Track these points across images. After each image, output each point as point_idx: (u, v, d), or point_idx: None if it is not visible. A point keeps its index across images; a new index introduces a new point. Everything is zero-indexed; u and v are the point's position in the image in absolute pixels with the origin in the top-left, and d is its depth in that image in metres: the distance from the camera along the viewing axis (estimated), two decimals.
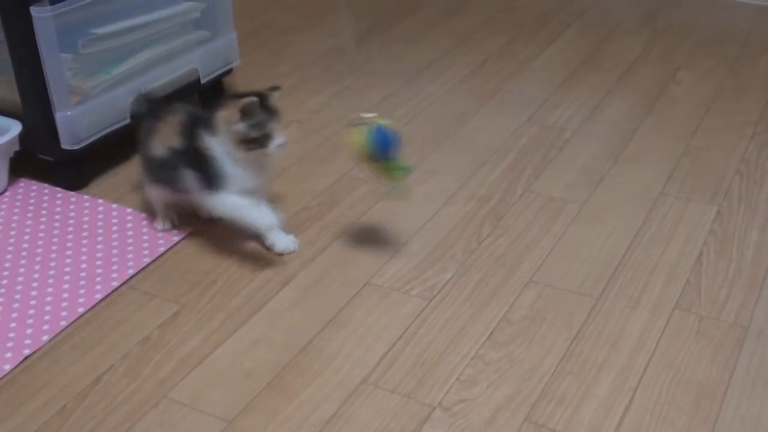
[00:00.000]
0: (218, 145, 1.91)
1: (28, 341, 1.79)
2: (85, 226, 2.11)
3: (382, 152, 1.90)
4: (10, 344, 1.78)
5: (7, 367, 1.73)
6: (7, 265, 2.00)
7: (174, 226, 2.11)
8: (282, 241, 2.02)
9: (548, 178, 2.30)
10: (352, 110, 2.64)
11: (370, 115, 1.94)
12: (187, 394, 1.67)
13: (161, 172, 2.01)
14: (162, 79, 2.39)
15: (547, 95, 2.74)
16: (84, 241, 2.06)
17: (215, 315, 1.86)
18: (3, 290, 1.92)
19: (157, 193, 2.07)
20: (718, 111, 2.63)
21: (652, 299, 1.89)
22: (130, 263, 1.99)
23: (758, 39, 3.11)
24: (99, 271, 1.97)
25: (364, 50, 3.06)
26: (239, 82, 2.79)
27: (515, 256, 2.02)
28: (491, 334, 1.80)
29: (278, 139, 1.92)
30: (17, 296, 1.90)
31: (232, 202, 1.94)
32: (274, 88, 1.97)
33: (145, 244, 2.05)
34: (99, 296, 1.90)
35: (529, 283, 1.94)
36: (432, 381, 1.69)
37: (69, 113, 2.17)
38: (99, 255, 2.02)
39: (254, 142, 1.89)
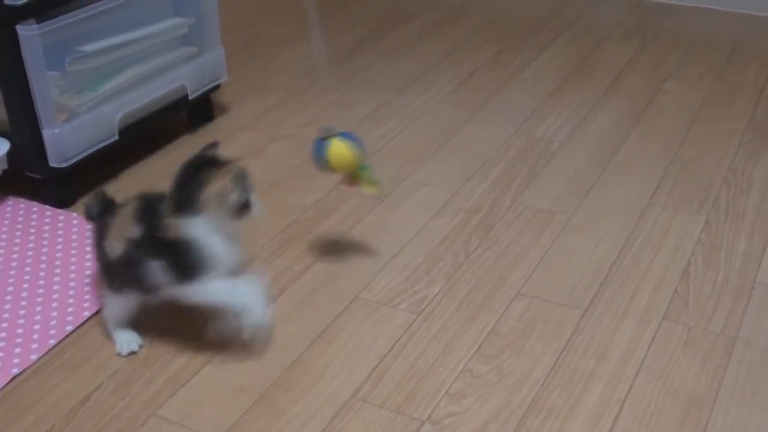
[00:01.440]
0: (201, 226, 1.68)
1: (16, 360, 1.79)
2: (74, 244, 2.11)
3: (364, 156, 1.94)
4: None
5: None
6: None
7: (132, 351, 1.81)
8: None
9: (536, 190, 2.31)
10: (341, 123, 2.64)
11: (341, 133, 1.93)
12: (176, 412, 1.67)
13: (123, 273, 1.74)
14: (149, 96, 2.39)
15: (536, 106, 2.74)
16: (72, 259, 2.06)
17: (204, 331, 1.85)
18: None
19: (119, 304, 1.79)
20: (707, 119, 2.64)
21: (640, 309, 1.89)
22: None
23: (746, 47, 3.12)
24: (87, 288, 1.97)
25: (355, 62, 3.06)
26: (228, 97, 2.79)
27: (504, 269, 2.02)
28: (480, 346, 1.80)
29: (255, 198, 1.74)
30: (6, 315, 1.90)
31: (215, 288, 1.71)
32: (214, 145, 1.77)
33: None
34: (87, 314, 1.90)
35: (517, 295, 1.94)
36: (421, 395, 1.69)
37: (56, 131, 2.17)
38: (88, 273, 2.02)
39: (246, 207, 1.71)
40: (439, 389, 1.70)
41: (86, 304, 1.93)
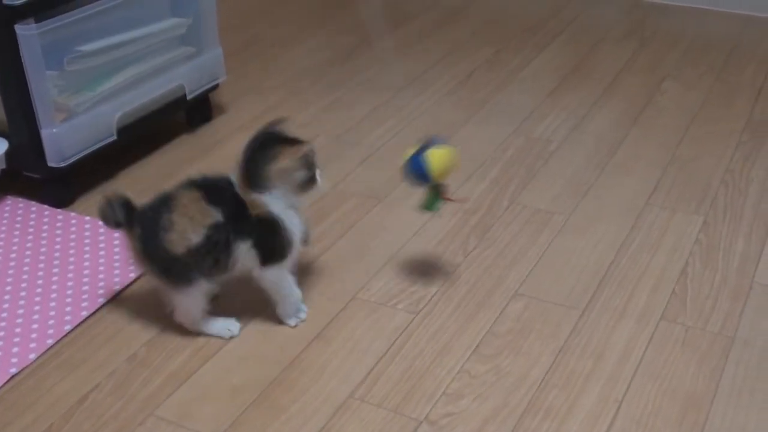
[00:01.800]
0: (275, 201, 1.74)
1: (14, 359, 1.79)
2: (72, 243, 2.11)
3: (415, 177, 1.85)
4: None
5: None
6: None
7: (234, 335, 1.85)
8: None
9: (534, 190, 2.31)
10: (340, 123, 2.65)
11: (432, 141, 1.85)
12: (175, 411, 1.67)
13: (201, 261, 1.73)
14: (147, 95, 2.39)
15: (534, 106, 2.74)
16: (71, 258, 2.06)
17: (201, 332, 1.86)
18: None
19: (197, 295, 1.78)
20: (704, 120, 2.64)
21: (637, 310, 1.89)
22: (117, 279, 1.99)
23: (744, 48, 3.13)
24: (86, 288, 1.97)
25: (355, 62, 3.06)
26: (226, 97, 2.80)
27: (501, 269, 2.02)
28: (478, 346, 1.80)
29: (320, 174, 1.80)
30: (4, 314, 1.90)
31: (289, 282, 1.83)
32: (279, 121, 1.80)
33: (132, 260, 2.05)
34: (85, 314, 1.90)
35: (515, 295, 1.94)
36: (419, 395, 1.69)
37: (55, 131, 2.17)
38: (86, 272, 2.02)
39: (311, 182, 1.77)
40: (436, 389, 1.70)
41: (84, 304, 1.92)
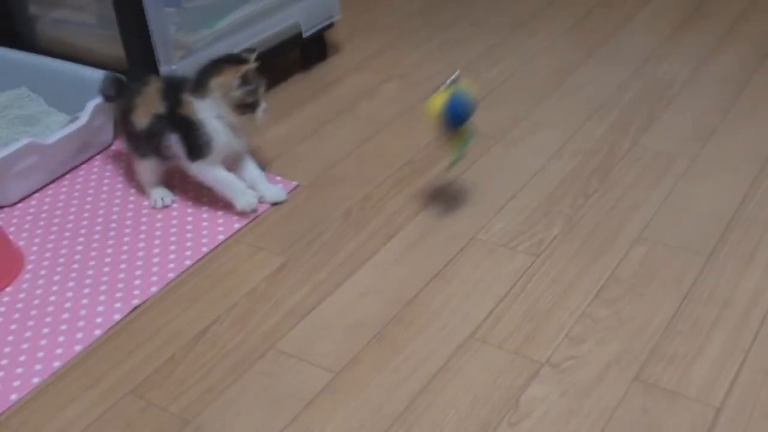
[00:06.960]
0: (206, 110, 1.93)
1: (136, 292, 1.82)
2: (191, 181, 2.13)
3: (455, 121, 1.88)
4: (119, 294, 1.81)
5: (117, 317, 1.76)
6: (114, 217, 2.03)
7: (166, 204, 2.07)
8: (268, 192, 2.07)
9: (656, 133, 2.25)
10: (454, 63, 2.61)
11: (453, 77, 1.90)
12: (294, 346, 1.68)
13: (147, 143, 2.01)
14: (264, 33, 2.39)
15: (654, 46, 2.66)
16: (190, 194, 2.08)
17: (321, 268, 1.86)
18: (112, 241, 1.95)
19: (147, 168, 2.06)
20: None
21: (766, 256, 1.83)
22: (235, 217, 2.00)
23: None
24: (205, 224, 1.99)
25: (467, 1, 3.02)
26: (341, 36, 2.78)
27: (623, 212, 1.97)
28: (599, 291, 1.77)
29: (263, 105, 1.97)
30: (125, 248, 1.93)
31: (215, 175, 1.99)
32: (251, 50, 1.97)
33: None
34: (205, 249, 1.92)
35: (638, 239, 1.90)
36: (540, 338, 1.67)
37: (173, 67, 2.18)
38: (204, 208, 2.04)
39: (248, 107, 1.93)
40: (558, 332, 1.68)
41: (204, 240, 1.94)
